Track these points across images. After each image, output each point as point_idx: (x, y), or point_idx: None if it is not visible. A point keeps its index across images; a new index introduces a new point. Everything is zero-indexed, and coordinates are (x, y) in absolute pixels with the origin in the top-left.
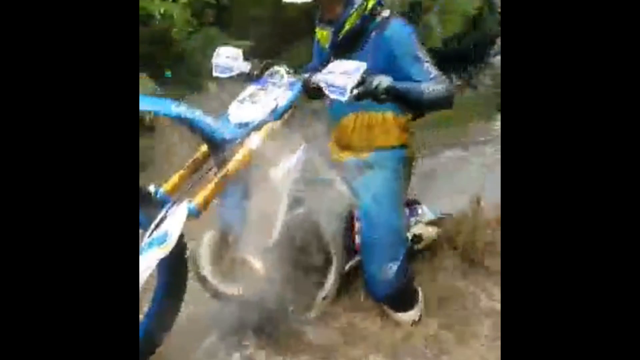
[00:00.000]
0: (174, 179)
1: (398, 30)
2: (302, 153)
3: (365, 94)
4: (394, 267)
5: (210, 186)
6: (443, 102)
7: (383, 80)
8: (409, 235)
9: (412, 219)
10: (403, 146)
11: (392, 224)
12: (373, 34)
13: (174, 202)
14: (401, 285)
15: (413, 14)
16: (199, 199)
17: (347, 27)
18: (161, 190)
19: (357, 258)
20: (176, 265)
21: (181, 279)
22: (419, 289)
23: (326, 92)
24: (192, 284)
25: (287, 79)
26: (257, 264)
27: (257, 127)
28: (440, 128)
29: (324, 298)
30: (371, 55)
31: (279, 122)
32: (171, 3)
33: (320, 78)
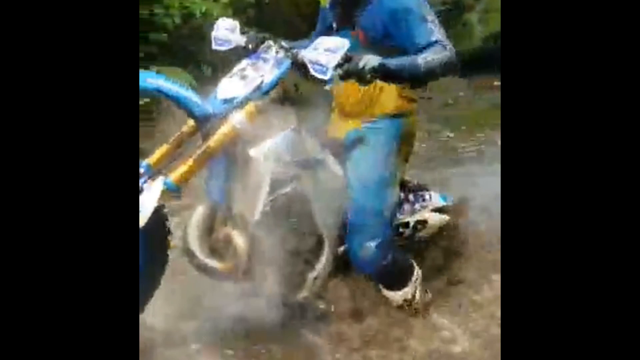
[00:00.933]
0: (158, 152)
1: None
2: (291, 132)
3: (351, 74)
4: (372, 244)
5: (189, 162)
6: (445, 70)
7: (371, 60)
8: (412, 221)
9: (417, 205)
10: (401, 115)
11: (374, 203)
12: None
13: (150, 176)
14: (385, 263)
15: (455, 11)
16: (176, 174)
17: None
18: (145, 163)
19: None
20: (155, 238)
21: (161, 253)
22: (415, 266)
23: (310, 69)
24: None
25: (275, 54)
26: (240, 239)
27: (242, 104)
28: (479, 127)
29: (315, 279)
30: (373, 16)
31: (264, 100)
32: (212, 2)
33: (305, 55)
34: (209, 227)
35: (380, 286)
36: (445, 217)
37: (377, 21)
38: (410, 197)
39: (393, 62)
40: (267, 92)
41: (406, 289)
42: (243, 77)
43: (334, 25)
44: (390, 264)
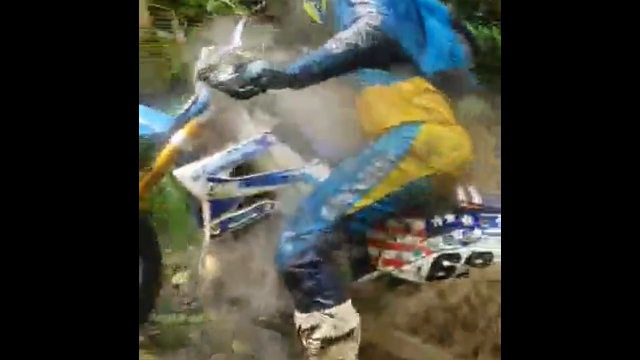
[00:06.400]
0: None
1: None
2: (254, 144)
3: (240, 85)
4: (287, 236)
5: (140, 184)
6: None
7: (253, 67)
8: (465, 253)
9: (478, 231)
10: (415, 122)
11: (316, 194)
12: None
13: None
14: (297, 263)
15: None
16: None
17: None
18: None
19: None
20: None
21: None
22: (344, 304)
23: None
24: None
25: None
26: (207, 261)
27: (186, 121)
28: None
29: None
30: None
31: (204, 115)
32: None
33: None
34: None
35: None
36: None
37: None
38: (468, 220)
39: (295, 65)
40: (203, 108)
41: (306, 315)
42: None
43: None
44: (305, 270)
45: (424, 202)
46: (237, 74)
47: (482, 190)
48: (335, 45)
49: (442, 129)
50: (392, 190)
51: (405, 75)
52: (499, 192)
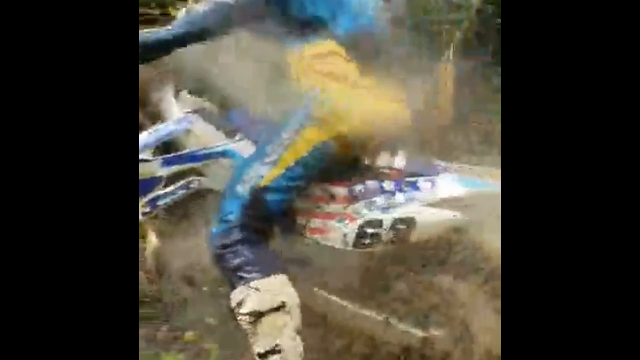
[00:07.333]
0: None
1: None
2: (176, 123)
3: None
4: (214, 219)
5: None
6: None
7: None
8: (388, 219)
9: (402, 196)
10: (316, 87)
11: (234, 174)
12: None
13: None
14: (222, 243)
15: None
16: None
17: None
18: None
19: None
20: None
21: None
22: (272, 278)
23: None
24: None
25: None
26: (148, 234)
27: None
28: None
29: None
30: None
31: None
32: None
33: None
34: None
35: None
36: (451, 216)
37: None
38: (389, 185)
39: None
40: None
41: (233, 292)
42: None
43: None
44: (231, 249)
45: (336, 167)
46: None
47: (409, 154)
48: (204, 3)
49: (343, 92)
50: (299, 157)
51: (317, 39)
52: (425, 157)
